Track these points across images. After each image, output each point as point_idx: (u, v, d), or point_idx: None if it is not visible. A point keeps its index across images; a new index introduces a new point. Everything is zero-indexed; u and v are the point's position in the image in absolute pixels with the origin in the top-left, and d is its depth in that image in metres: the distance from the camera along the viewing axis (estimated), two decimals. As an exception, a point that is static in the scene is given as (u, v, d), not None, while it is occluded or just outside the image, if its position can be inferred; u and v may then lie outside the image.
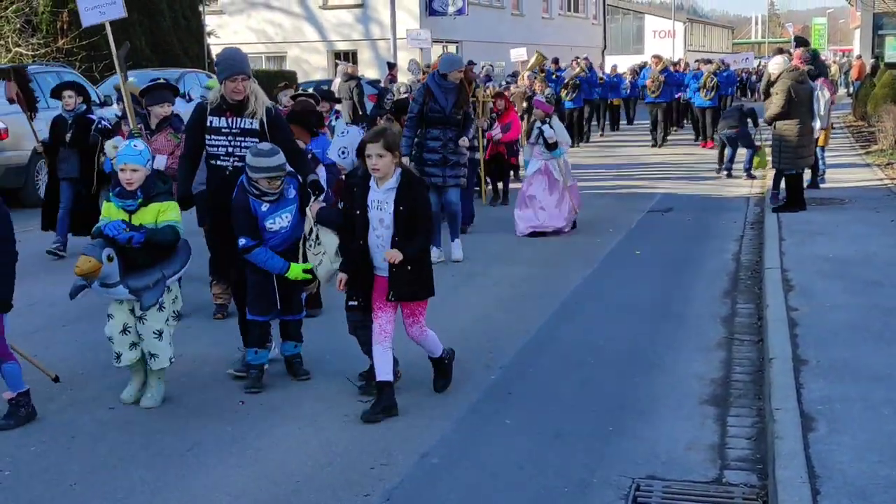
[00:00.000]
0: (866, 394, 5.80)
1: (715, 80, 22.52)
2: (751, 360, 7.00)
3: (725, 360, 7.01)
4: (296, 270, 6.44)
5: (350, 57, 32.65)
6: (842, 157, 18.73)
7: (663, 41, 66.53)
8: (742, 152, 17.13)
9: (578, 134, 24.21)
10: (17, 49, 20.56)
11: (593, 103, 26.14)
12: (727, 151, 17.44)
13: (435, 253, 9.44)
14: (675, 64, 28.16)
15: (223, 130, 6.72)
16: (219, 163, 6.75)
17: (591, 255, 10.78)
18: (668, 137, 24.71)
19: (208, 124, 6.75)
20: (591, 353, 7.19)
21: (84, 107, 10.97)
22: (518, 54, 25.88)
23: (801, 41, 17.80)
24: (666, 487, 4.96)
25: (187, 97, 18.19)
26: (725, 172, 17.33)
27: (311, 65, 34.54)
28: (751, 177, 16.79)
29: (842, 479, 4.68)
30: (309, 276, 6.49)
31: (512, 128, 14.71)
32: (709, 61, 24.19)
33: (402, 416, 5.96)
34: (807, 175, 13.58)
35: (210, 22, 31.66)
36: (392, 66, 25.99)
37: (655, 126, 24.02)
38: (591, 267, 10.19)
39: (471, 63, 26.39)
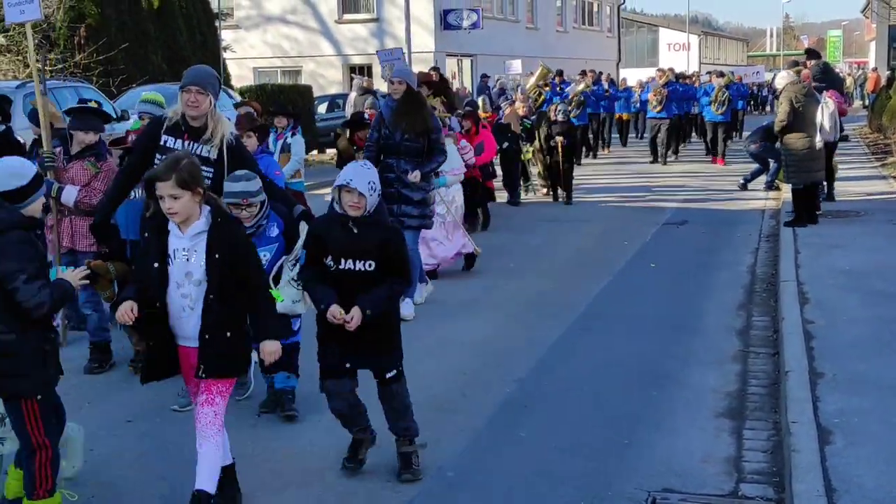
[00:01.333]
0: (883, 406, 5.79)
1: (727, 93, 21.84)
2: (766, 372, 6.99)
3: (741, 373, 7.01)
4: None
5: (365, 71, 32.75)
6: (857, 169, 18.69)
7: (678, 54, 66.55)
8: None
9: (585, 151, 23.51)
10: (35, 64, 20.68)
11: (599, 118, 25.38)
12: (754, 167, 17.39)
13: (407, 308, 8.43)
14: (685, 77, 27.35)
15: None
16: None
17: (606, 267, 10.78)
18: (675, 155, 23.41)
19: (161, 142, 6.19)
20: (607, 366, 7.19)
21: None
22: (514, 67, 25.21)
23: (813, 53, 17.75)
24: (682, 500, 4.96)
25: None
26: (742, 184, 17.28)
27: (327, 79, 34.65)
28: (770, 188, 16.73)
29: (859, 492, 4.68)
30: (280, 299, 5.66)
31: (486, 148, 13.34)
32: (721, 74, 23.50)
33: (420, 429, 5.94)
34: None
35: (226, 36, 31.81)
36: (407, 80, 26.06)
37: (655, 142, 22.67)
38: (606, 280, 10.19)
39: (484, 77, 26.35)
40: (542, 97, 21.62)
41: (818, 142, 12.18)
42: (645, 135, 25.78)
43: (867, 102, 38.34)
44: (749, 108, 35.17)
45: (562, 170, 16.10)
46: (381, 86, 28.77)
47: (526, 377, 6.99)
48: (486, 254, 11.55)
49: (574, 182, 16.71)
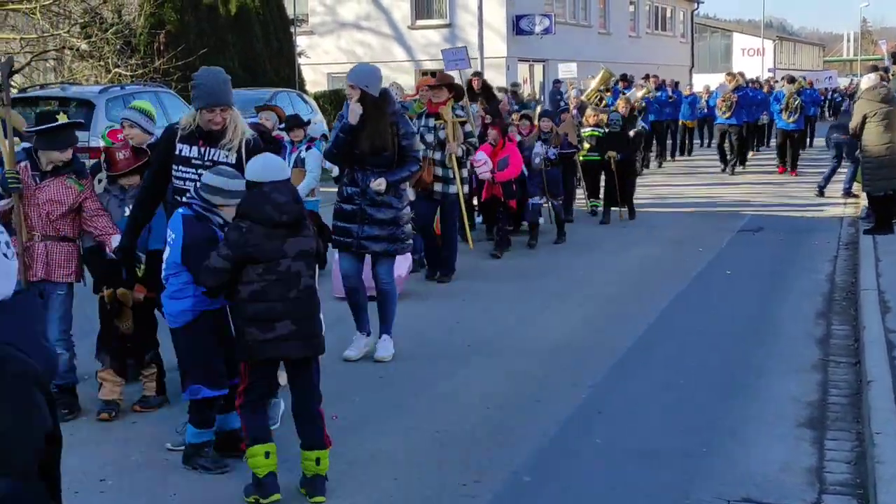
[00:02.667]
0: (970, 419, 5.64)
1: (799, 100, 20.70)
2: (848, 382, 6.86)
3: (821, 382, 6.88)
4: None
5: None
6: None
7: (752, 59, 65.63)
8: (841, 172, 16.85)
9: (645, 161, 21.97)
10: (116, 70, 21.15)
11: (663, 125, 24.09)
12: (827, 170, 17.12)
13: (355, 349, 7.54)
14: (754, 82, 25.77)
15: (194, 161, 5.84)
16: (186, 199, 5.72)
17: (681, 274, 10.67)
18: (742, 165, 22.21)
19: (177, 152, 5.87)
20: (682, 374, 7.12)
21: None
22: (567, 70, 23.75)
23: None
24: (761, 510, 4.89)
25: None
26: (818, 189, 17.00)
27: (400, 84, 34.83)
28: (848, 194, 16.44)
29: (946, 505, 4.57)
30: None
31: (511, 163, 11.89)
32: (792, 79, 22.29)
33: (492, 434, 5.97)
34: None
35: (301, 42, 32.13)
36: (479, 85, 26.05)
37: (723, 150, 21.59)
38: (681, 286, 10.08)
39: (556, 82, 26.11)
40: (604, 103, 20.35)
41: None
42: (712, 142, 24.51)
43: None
44: (822, 114, 34.15)
45: (618, 188, 14.47)
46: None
47: (600, 383, 6.94)
48: (556, 260, 11.55)
49: (640, 190, 16.08)
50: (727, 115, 21.00)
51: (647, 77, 24.93)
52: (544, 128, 13.05)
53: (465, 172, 10.84)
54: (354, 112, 7.12)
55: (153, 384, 6.50)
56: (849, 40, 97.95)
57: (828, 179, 17.06)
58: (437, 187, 10.15)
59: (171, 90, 17.70)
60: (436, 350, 7.85)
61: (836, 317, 8.74)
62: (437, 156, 10.17)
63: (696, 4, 53.38)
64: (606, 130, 14.91)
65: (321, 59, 34.75)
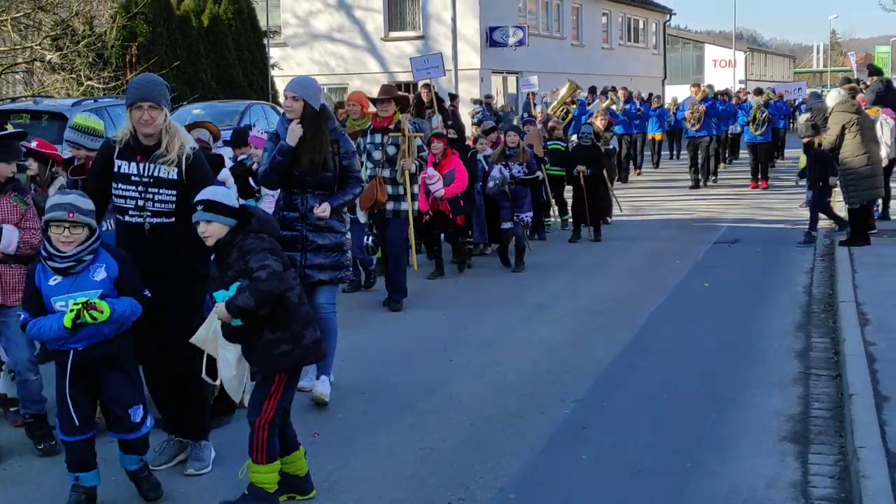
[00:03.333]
0: (953, 432, 5.67)
1: (766, 112, 20.35)
2: (829, 395, 6.88)
3: (803, 396, 6.90)
4: (69, 319, 4.88)
5: (411, 88, 32.84)
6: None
7: (724, 70, 66.09)
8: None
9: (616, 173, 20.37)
10: (88, 82, 20.99)
11: (631, 138, 23.49)
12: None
13: (324, 386, 6.90)
14: (723, 93, 24.96)
15: (133, 178, 5.50)
16: (128, 219, 5.53)
17: (659, 287, 10.68)
18: (714, 177, 21.90)
19: (115, 169, 5.53)
20: (665, 388, 7.12)
21: None
22: (531, 84, 22.98)
23: (874, 69, 17.50)
24: (749, 526, 4.88)
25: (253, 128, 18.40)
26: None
27: (373, 96, 34.79)
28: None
29: (933, 520, 4.57)
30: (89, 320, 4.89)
31: (456, 178, 11.19)
32: (759, 91, 22.03)
33: (477, 450, 5.94)
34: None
35: (274, 54, 32.07)
36: (454, 98, 26.08)
37: (695, 164, 21.09)
38: (660, 299, 10.10)
39: (532, 94, 26.10)
40: (570, 116, 20.03)
41: (884, 157, 12.07)
42: (682, 153, 24.14)
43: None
44: (791, 126, 33.83)
45: (587, 204, 13.82)
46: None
47: (584, 398, 6.93)
48: (535, 274, 11.55)
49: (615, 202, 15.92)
50: (696, 127, 20.73)
51: (613, 89, 24.38)
52: (510, 143, 12.15)
53: (415, 189, 10.25)
54: (294, 133, 6.61)
55: None
56: (818, 52, 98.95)
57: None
58: (388, 205, 9.65)
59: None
60: (418, 366, 7.82)
61: (816, 329, 8.77)
62: (387, 173, 9.66)
63: (667, 16, 53.71)
64: (576, 144, 14.54)
65: (294, 71, 34.62)
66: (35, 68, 22.41)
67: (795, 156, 26.70)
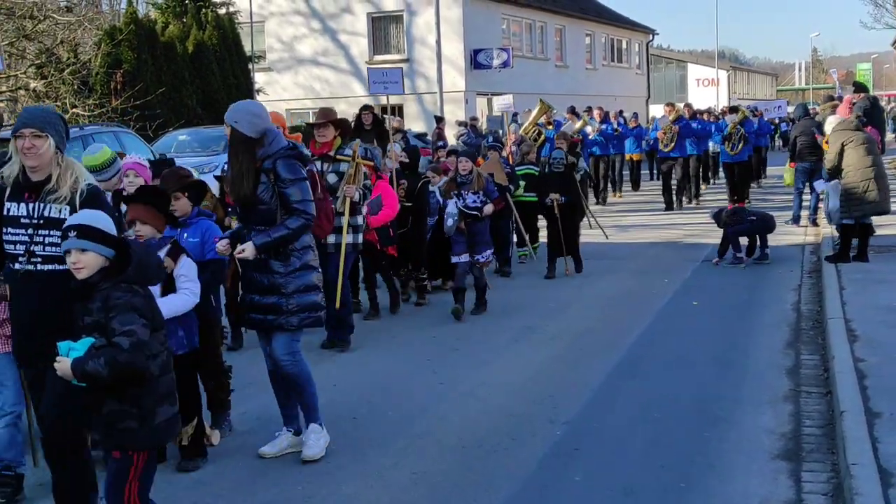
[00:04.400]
0: (944, 447, 5.67)
1: (741, 130, 19.67)
2: (820, 412, 6.88)
3: (794, 414, 6.90)
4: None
5: (397, 111, 32.94)
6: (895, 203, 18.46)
7: (707, 89, 66.52)
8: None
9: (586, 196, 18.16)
10: (73, 110, 21.00)
11: (609, 160, 22.85)
12: (794, 200, 17.00)
13: (274, 446, 6.37)
14: (701, 112, 24.11)
15: (23, 221, 5.03)
16: (17, 266, 5.05)
17: (648, 306, 10.70)
18: (695, 200, 21.45)
19: (5, 212, 5.06)
20: (656, 407, 7.11)
21: None
22: (503, 104, 22.30)
23: (860, 86, 17.58)
24: (744, 546, 4.87)
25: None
26: (793, 220, 16.83)
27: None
28: (797, 222, 16.64)
29: (927, 536, 4.57)
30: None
31: (384, 204, 10.14)
32: (734, 109, 21.33)
33: (469, 473, 5.92)
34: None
35: (259, 79, 32.15)
36: (440, 120, 26.20)
37: (667, 185, 20.49)
38: (648, 319, 10.11)
39: (514, 115, 26.03)
40: (543, 137, 18.69)
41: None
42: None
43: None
44: (772, 144, 32.95)
45: (562, 235, 12.62)
46: (412, 124, 28.98)
47: (575, 419, 6.91)
48: (523, 294, 11.53)
49: (603, 219, 15.91)
50: (669, 147, 20.16)
51: (588, 110, 23.74)
52: (462, 169, 10.59)
53: (359, 219, 9.20)
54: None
55: None
56: (800, 69, 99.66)
57: (799, 207, 17.08)
58: (330, 238, 8.75)
59: (130, 130, 17.58)
60: (409, 388, 7.79)
61: (805, 346, 8.79)
62: None
63: (650, 36, 54.05)
64: (547, 169, 13.49)
65: (280, 96, 34.75)
66: (20, 96, 22.43)
67: (779, 173, 26.91)
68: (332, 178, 8.82)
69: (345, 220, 8.84)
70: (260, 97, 29.91)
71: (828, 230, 14.35)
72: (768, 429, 6.58)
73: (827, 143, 13.02)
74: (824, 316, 9.47)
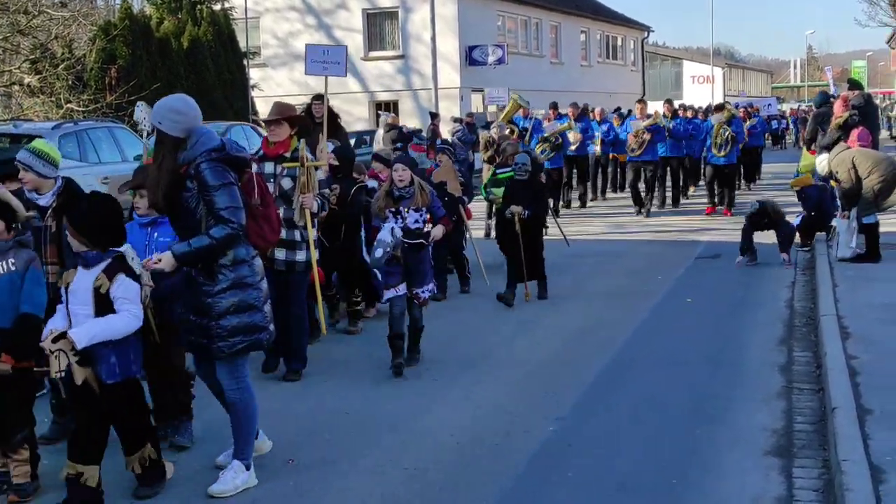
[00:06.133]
0: (935, 444, 5.70)
1: (729, 131, 18.26)
2: (812, 409, 6.92)
3: (786, 410, 6.93)
4: None
5: (392, 107, 32.95)
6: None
7: (702, 86, 66.58)
8: None
9: (556, 200, 18.86)
10: (68, 105, 20.97)
11: (588, 160, 21.42)
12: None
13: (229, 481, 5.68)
14: (685, 109, 22.34)
15: None
16: None
17: (641, 303, 10.72)
18: (676, 205, 20.33)
19: None
20: (650, 404, 7.13)
21: None
22: (494, 97, 21.62)
23: (855, 84, 17.54)
24: (735, 542, 4.89)
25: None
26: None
27: (353, 115, 34.86)
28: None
29: (917, 532, 4.59)
30: None
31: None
32: (720, 107, 19.68)
33: (464, 470, 5.94)
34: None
35: (254, 75, 32.12)
36: (434, 116, 26.19)
37: (636, 190, 18.91)
38: (642, 316, 10.13)
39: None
40: (515, 134, 17.26)
41: None
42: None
43: (895, 133, 38.12)
44: (767, 143, 31.86)
45: (523, 253, 10.74)
46: (407, 121, 28.97)
47: (568, 416, 6.93)
48: (520, 289, 11.53)
49: (595, 219, 15.75)
50: (637, 152, 18.58)
51: (554, 106, 21.58)
52: (399, 180, 8.15)
53: (315, 233, 8.21)
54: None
55: (25, 468, 5.59)
56: (795, 67, 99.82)
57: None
58: (280, 254, 7.80)
59: (125, 125, 17.57)
60: (403, 386, 7.81)
61: (798, 343, 8.82)
62: (280, 212, 7.26)
63: (645, 33, 54.09)
64: (511, 178, 11.46)
65: (274, 92, 34.69)
66: (14, 92, 22.42)
67: (777, 171, 26.87)
68: (287, 184, 7.83)
69: (310, 234, 7.91)
70: (255, 93, 29.91)
71: (822, 231, 14.37)
72: (761, 425, 6.60)
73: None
74: (817, 313, 9.50)
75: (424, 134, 24.13)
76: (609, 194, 23.25)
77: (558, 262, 13.71)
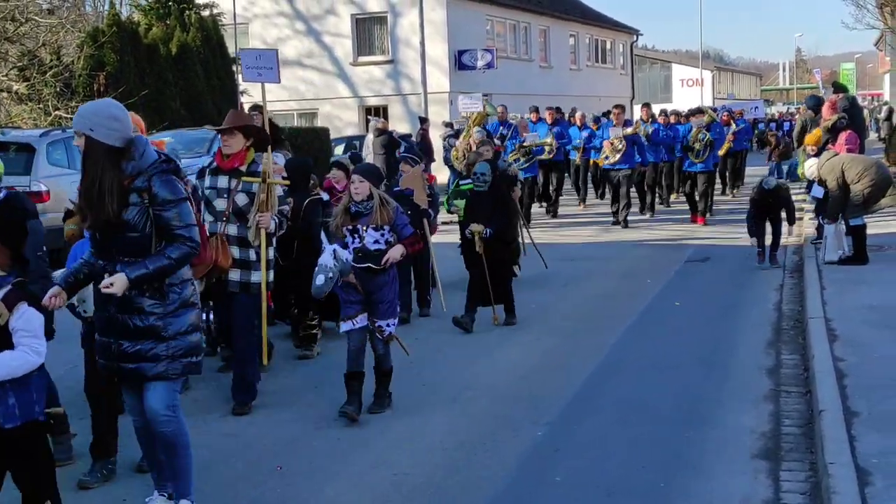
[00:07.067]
0: (921, 446, 5.72)
1: (707, 136, 17.67)
2: (800, 412, 6.93)
3: (774, 413, 6.95)
4: None
5: (381, 112, 32.93)
6: (878, 202, 18.53)
7: (691, 90, 66.73)
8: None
9: (528, 208, 17.89)
10: (56, 112, 20.93)
11: (572, 165, 21.10)
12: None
13: None
14: (667, 115, 20.84)
15: None
16: None
17: (630, 307, 10.73)
18: (650, 212, 19.57)
19: None
20: (638, 408, 7.14)
21: None
22: (468, 103, 19.67)
23: (840, 87, 17.60)
24: (722, 545, 4.90)
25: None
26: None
27: (343, 120, 34.85)
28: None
29: (903, 534, 4.61)
30: None
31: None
32: (698, 111, 19.31)
33: (452, 475, 5.94)
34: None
35: (243, 81, 32.06)
36: (424, 121, 26.21)
37: (616, 198, 18.14)
38: (631, 319, 10.15)
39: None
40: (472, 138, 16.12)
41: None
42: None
43: (883, 135, 38.20)
44: (751, 146, 30.42)
45: (488, 277, 9.79)
46: (397, 125, 28.99)
47: (556, 420, 6.94)
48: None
49: (580, 224, 15.93)
50: (611, 160, 17.92)
51: (535, 110, 21.14)
52: (356, 193, 7.12)
53: (270, 253, 7.60)
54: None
55: None
56: (785, 69, 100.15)
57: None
58: (234, 275, 7.27)
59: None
60: (391, 391, 7.79)
61: (785, 346, 8.84)
62: (233, 230, 7.26)
63: (634, 36, 54.18)
64: (471, 190, 10.27)
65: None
66: (2, 99, 22.35)
67: (760, 173, 26.84)
68: (241, 200, 7.27)
69: (262, 256, 7.34)
70: (244, 99, 29.87)
71: (811, 230, 14.43)
72: (749, 428, 6.61)
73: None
74: (805, 316, 9.53)
75: (414, 139, 24.17)
76: (592, 200, 22.73)
77: (551, 265, 13.75)
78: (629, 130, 17.99)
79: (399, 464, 6.14)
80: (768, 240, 12.89)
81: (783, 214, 12.90)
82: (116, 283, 4.84)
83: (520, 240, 12.18)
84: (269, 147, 7.85)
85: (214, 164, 7.43)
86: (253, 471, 6.09)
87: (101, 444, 6.01)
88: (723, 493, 5.52)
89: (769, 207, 12.86)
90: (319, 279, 6.83)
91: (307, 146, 23.77)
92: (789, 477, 5.75)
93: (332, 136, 29.47)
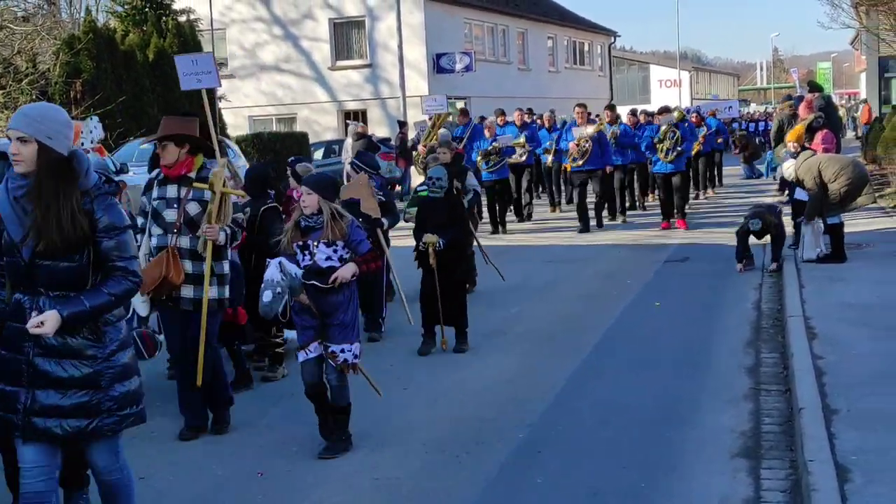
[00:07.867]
0: (900, 442, 5.75)
1: (677, 134, 16.79)
2: (779, 410, 6.97)
3: (754, 412, 6.98)
4: None
5: (360, 116, 32.90)
6: (855, 200, 18.64)
7: (670, 90, 66.95)
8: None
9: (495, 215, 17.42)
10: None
11: (543, 168, 20.62)
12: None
13: None
14: (634, 115, 20.08)
15: None
16: None
17: (610, 308, 10.76)
18: (622, 216, 19.01)
19: None
20: (618, 409, 7.16)
21: None
22: (433, 105, 19.64)
23: (815, 86, 17.73)
24: (704, 544, 4.91)
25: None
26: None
27: (322, 125, 34.80)
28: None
29: (882, 531, 4.63)
30: None
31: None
32: (666, 109, 18.66)
33: (434, 479, 5.94)
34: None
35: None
36: (402, 125, 26.20)
37: (583, 203, 17.28)
38: (611, 320, 10.17)
39: (482, 118, 25.77)
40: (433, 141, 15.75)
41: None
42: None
43: (860, 133, 38.47)
44: (727, 146, 28.74)
45: (439, 297, 9.03)
46: (376, 129, 28.96)
47: (537, 422, 6.95)
48: (489, 296, 11.54)
49: (560, 224, 15.94)
50: (578, 162, 17.09)
51: (501, 113, 20.11)
52: (304, 206, 6.49)
53: (224, 267, 6.99)
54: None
55: None
56: (762, 69, 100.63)
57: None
58: (187, 291, 6.75)
59: (91, 139, 17.41)
60: (372, 395, 7.77)
61: (765, 345, 8.88)
62: (185, 242, 6.75)
63: (612, 38, 54.32)
64: (424, 197, 9.59)
65: (242, 103, 34.59)
66: (-24, 108, 22.17)
67: (736, 172, 26.96)
68: (193, 209, 6.78)
69: (206, 269, 6.75)
70: (222, 105, 29.78)
71: (789, 228, 14.48)
72: (728, 427, 6.64)
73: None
74: (784, 314, 9.57)
75: (393, 142, 24.16)
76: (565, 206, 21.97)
77: (527, 267, 13.78)
78: (590, 130, 17.25)
79: (381, 468, 6.13)
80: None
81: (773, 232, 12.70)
82: (48, 322, 4.08)
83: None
84: (221, 153, 7.49)
85: (161, 173, 6.89)
86: (234, 476, 6.07)
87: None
88: (704, 492, 5.55)
89: (757, 236, 12.94)
90: (266, 296, 6.20)
91: (286, 151, 23.69)
92: (769, 475, 5.78)
93: (311, 140, 29.45)
